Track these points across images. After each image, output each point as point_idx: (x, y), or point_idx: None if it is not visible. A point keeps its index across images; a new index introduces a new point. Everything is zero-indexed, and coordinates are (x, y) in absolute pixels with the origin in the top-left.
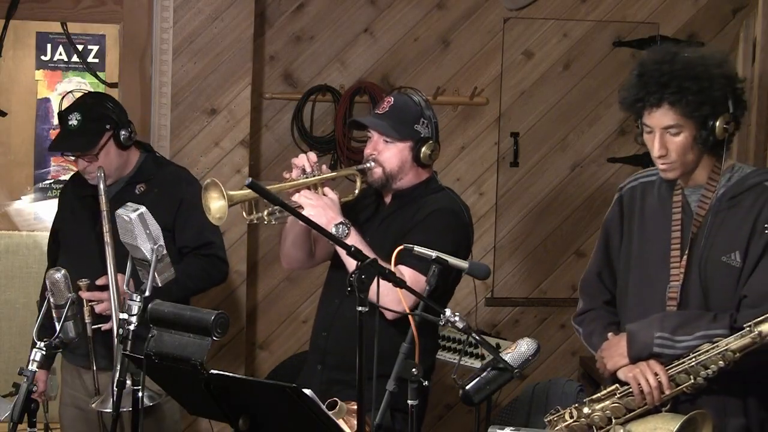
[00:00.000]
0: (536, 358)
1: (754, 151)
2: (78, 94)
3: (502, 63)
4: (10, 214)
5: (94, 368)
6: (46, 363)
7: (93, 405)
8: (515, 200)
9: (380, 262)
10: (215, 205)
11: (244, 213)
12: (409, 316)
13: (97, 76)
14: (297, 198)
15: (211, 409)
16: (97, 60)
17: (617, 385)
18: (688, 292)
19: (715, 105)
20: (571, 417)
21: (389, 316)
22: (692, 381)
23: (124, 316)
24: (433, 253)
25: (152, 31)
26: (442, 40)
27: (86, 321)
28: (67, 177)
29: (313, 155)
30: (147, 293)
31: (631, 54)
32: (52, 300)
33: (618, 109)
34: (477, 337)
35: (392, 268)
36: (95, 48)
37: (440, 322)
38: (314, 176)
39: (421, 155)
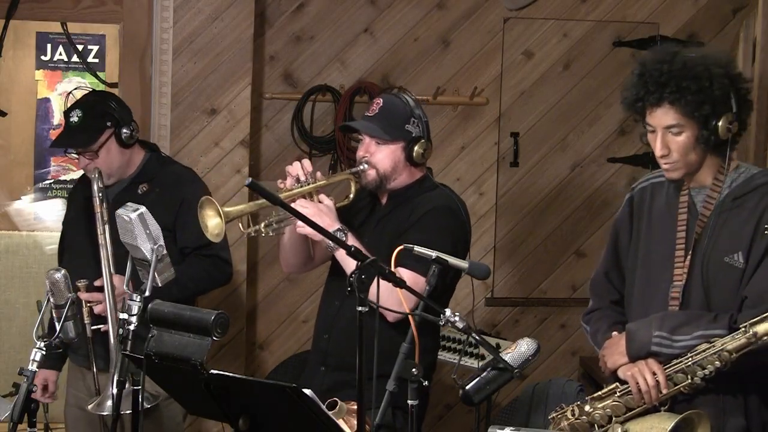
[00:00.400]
0: (536, 358)
1: (754, 151)
2: (80, 93)
3: (502, 63)
4: (10, 214)
5: (94, 369)
6: (57, 364)
7: (89, 407)
8: (515, 200)
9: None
10: (212, 222)
11: (241, 226)
12: (409, 316)
13: (97, 76)
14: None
15: (211, 409)
16: (97, 60)
17: (617, 383)
18: (690, 293)
19: (716, 104)
20: (573, 415)
21: (390, 318)
22: (689, 381)
23: (124, 316)
24: (433, 253)
25: (152, 31)
26: (442, 40)
27: (85, 322)
28: (67, 177)
29: (307, 162)
30: (147, 293)
31: (631, 54)
32: (52, 300)
33: (618, 109)
34: (477, 337)
35: (392, 268)
36: (95, 48)
37: (440, 322)
38: (309, 184)
39: (414, 155)
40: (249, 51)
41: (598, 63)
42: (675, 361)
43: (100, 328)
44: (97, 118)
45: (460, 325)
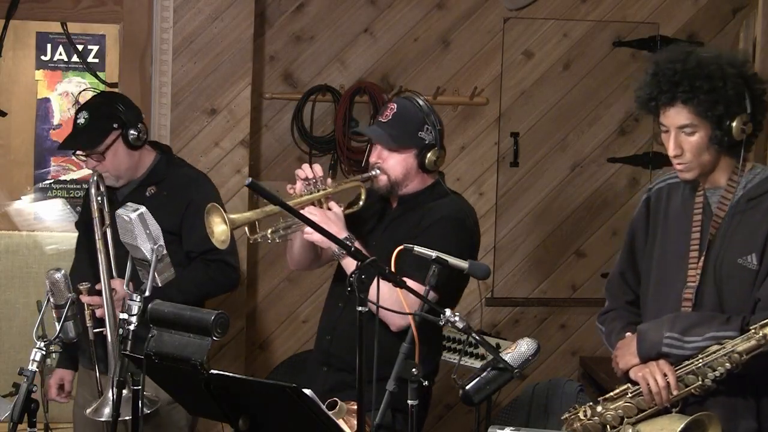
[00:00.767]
0: (536, 358)
1: (755, 151)
2: (90, 94)
3: (502, 63)
4: (10, 214)
5: (97, 372)
6: (73, 364)
7: (87, 412)
8: (515, 200)
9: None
10: (218, 229)
11: (247, 233)
12: (410, 317)
13: (97, 76)
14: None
15: (211, 409)
16: (97, 60)
17: (629, 384)
18: (704, 294)
19: (730, 105)
20: (585, 416)
21: (393, 328)
22: (700, 382)
23: (124, 316)
24: (433, 253)
25: (152, 31)
26: (442, 40)
27: (87, 325)
28: (67, 177)
29: (318, 168)
30: (147, 293)
31: (631, 54)
32: (52, 300)
33: (618, 109)
34: (477, 337)
35: (392, 268)
36: (95, 48)
37: (440, 322)
38: (319, 190)
39: (426, 162)
40: (249, 51)
41: (598, 63)
42: (686, 363)
43: (101, 332)
44: (104, 120)
45: (460, 325)
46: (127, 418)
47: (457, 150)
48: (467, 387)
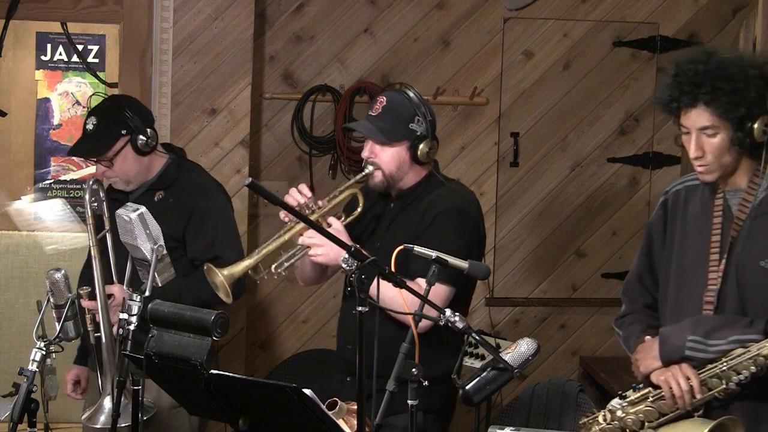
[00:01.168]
0: (536, 358)
1: None
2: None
3: (502, 63)
4: (10, 214)
5: (99, 377)
6: (87, 360)
7: (82, 418)
8: (515, 200)
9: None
10: (219, 283)
11: (252, 275)
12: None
13: (97, 76)
14: (302, 241)
15: (211, 409)
16: (97, 60)
17: (650, 388)
18: (726, 297)
19: (751, 106)
20: (605, 420)
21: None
22: (724, 386)
23: (124, 316)
24: (433, 253)
25: (152, 31)
26: (442, 40)
27: (89, 329)
28: (67, 177)
29: (304, 188)
30: (147, 293)
31: (631, 54)
32: (52, 300)
33: (618, 109)
34: (477, 337)
35: (392, 268)
36: (95, 48)
37: (440, 322)
38: (313, 212)
39: (419, 154)
40: (249, 51)
41: (598, 63)
42: (709, 366)
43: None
44: (111, 126)
45: (459, 325)
46: (124, 424)
47: (457, 150)
48: (467, 387)
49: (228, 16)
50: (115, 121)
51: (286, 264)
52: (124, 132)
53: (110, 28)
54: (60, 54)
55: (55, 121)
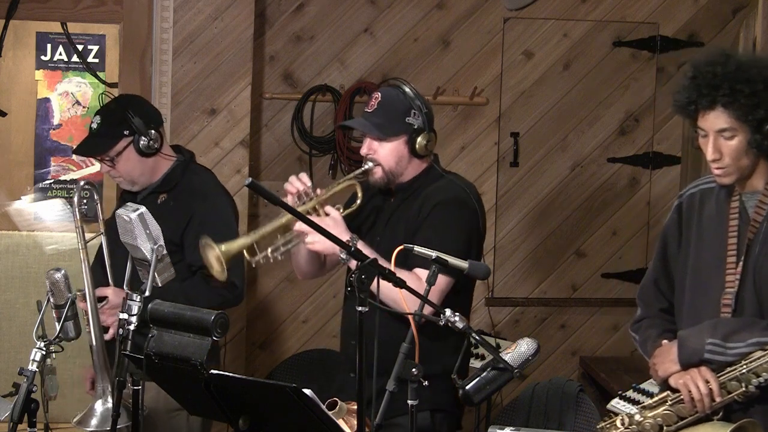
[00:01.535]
0: (536, 358)
1: None
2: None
3: (502, 63)
4: (10, 214)
5: (99, 377)
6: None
7: (73, 422)
8: (515, 200)
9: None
10: (214, 262)
11: (247, 257)
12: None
13: (97, 76)
14: (299, 227)
15: (211, 409)
16: (97, 60)
17: (669, 392)
18: (744, 300)
19: None
20: (623, 424)
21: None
22: (743, 389)
23: (124, 316)
24: (433, 253)
25: (152, 31)
26: (442, 40)
27: (87, 330)
28: (67, 177)
29: (304, 176)
30: (147, 293)
31: (631, 54)
32: (52, 300)
33: (618, 109)
34: (477, 337)
35: (392, 267)
36: (95, 48)
37: (440, 322)
38: (311, 199)
39: (417, 147)
40: (249, 51)
41: (598, 63)
42: (728, 369)
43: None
44: (114, 126)
45: (459, 325)
46: (106, 428)
47: (457, 150)
48: (467, 387)
49: (228, 16)
50: (119, 121)
51: (282, 248)
52: (126, 132)
53: (110, 28)
54: (60, 54)
55: (55, 121)
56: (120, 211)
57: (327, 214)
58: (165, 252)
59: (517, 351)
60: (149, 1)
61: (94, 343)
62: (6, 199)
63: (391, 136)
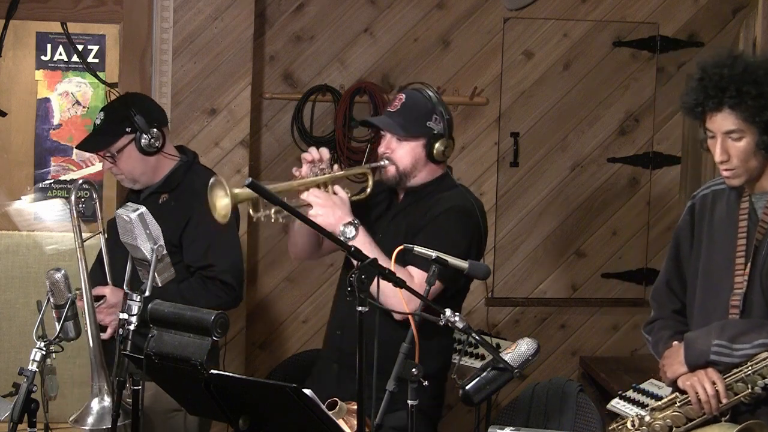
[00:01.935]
0: (536, 358)
1: None
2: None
3: (502, 63)
4: (10, 214)
5: (95, 377)
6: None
7: (69, 420)
8: (515, 200)
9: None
10: (221, 203)
11: (250, 210)
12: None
13: (97, 76)
14: (305, 196)
15: (211, 409)
16: (97, 60)
17: (677, 393)
18: (751, 301)
19: None
20: (633, 426)
21: (397, 316)
22: (750, 390)
23: (124, 316)
24: (433, 253)
25: (152, 31)
26: (442, 40)
27: (86, 330)
28: (67, 177)
29: (325, 151)
30: (147, 293)
31: (631, 54)
32: (52, 300)
33: (618, 109)
34: (477, 337)
35: (392, 267)
36: (95, 48)
37: (440, 322)
38: (325, 173)
39: (435, 152)
40: (249, 51)
41: (598, 63)
42: (735, 371)
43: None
44: (116, 123)
45: (460, 325)
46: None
47: (457, 150)
48: (467, 387)
49: (228, 16)
50: (121, 118)
51: (285, 212)
52: (128, 130)
53: (110, 28)
54: (60, 54)
55: (55, 121)
56: (120, 211)
57: (335, 193)
58: (165, 252)
59: (517, 351)
60: (149, 1)
61: (90, 342)
62: (6, 199)
63: (411, 136)
